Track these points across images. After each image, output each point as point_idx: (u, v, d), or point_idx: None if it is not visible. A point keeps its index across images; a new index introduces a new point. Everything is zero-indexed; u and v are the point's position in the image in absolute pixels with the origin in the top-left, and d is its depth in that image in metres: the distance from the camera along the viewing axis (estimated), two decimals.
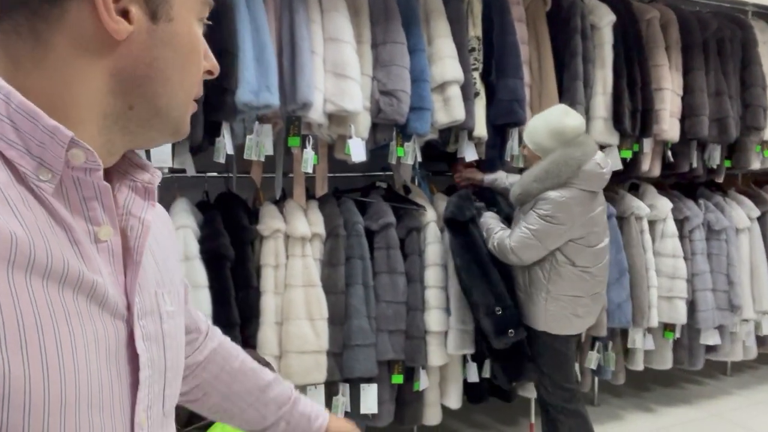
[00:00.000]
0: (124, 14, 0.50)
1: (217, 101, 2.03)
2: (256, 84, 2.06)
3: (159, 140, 0.58)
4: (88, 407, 0.47)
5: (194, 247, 2.12)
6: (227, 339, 0.90)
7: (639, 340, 3.03)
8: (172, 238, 0.69)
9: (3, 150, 0.47)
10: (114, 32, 0.50)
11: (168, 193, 2.38)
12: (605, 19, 2.83)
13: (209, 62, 0.59)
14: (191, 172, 2.18)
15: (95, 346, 0.48)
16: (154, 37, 0.52)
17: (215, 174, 2.48)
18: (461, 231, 2.44)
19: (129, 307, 0.53)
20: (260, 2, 2.12)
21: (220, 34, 2.03)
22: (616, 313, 2.85)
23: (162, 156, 1.99)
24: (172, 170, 2.21)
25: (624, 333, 3.06)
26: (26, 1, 0.48)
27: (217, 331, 0.89)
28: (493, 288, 2.36)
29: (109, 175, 0.55)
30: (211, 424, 1.67)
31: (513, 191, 2.31)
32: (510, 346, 2.38)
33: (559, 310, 2.31)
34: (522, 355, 2.42)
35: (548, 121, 2.23)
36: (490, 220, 2.44)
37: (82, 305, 0.48)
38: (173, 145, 2.04)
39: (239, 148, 2.24)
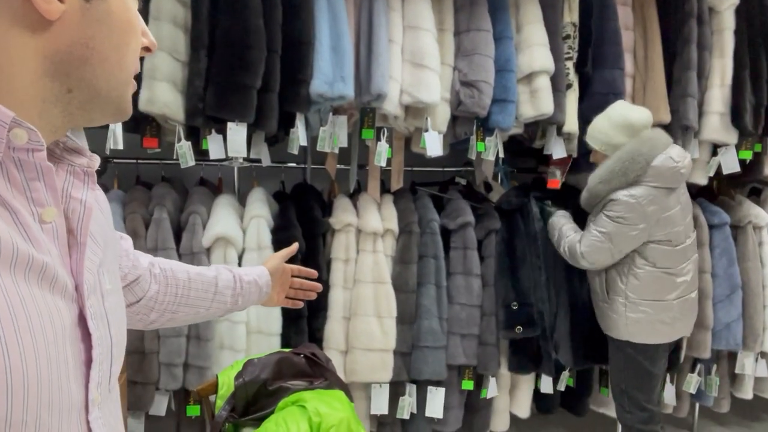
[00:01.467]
0: None
1: (292, 92, 2.01)
2: (331, 74, 2.01)
3: (101, 120, 0.57)
4: (48, 385, 0.48)
5: (267, 237, 2.13)
6: (163, 259, 0.98)
7: (749, 366, 2.69)
8: (108, 214, 0.69)
9: None
10: (45, 12, 0.48)
11: (246, 182, 2.42)
12: (727, 2, 2.49)
13: (147, 38, 0.59)
14: (266, 162, 2.19)
15: (51, 327, 0.49)
16: (89, 16, 0.51)
17: (292, 165, 2.48)
18: (506, 220, 2.39)
19: (77, 287, 0.53)
20: None
21: (298, 23, 2.00)
22: (723, 333, 2.54)
23: (237, 146, 2.00)
24: (249, 160, 2.23)
25: (732, 356, 2.72)
26: None
27: (154, 258, 0.96)
28: (516, 283, 2.33)
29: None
30: (264, 416, 1.67)
31: (582, 196, 2.17)
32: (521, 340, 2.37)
33: (641, 317, 2.11)
34: (529, 353, 2.41)
35: (611, 117, 2.09)
36: (561, 219, 2.29)
37: (34, 287, 0.48)
38: (249, 135, 2.05)
39: (314, 139, 2.21)
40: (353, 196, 2.38)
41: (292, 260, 2.16)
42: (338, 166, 2.40)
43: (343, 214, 2.23)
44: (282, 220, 2.19)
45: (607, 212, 2.06)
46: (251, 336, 2.13)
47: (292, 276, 1.20)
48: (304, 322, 2.18)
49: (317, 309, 2.21)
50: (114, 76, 0.54)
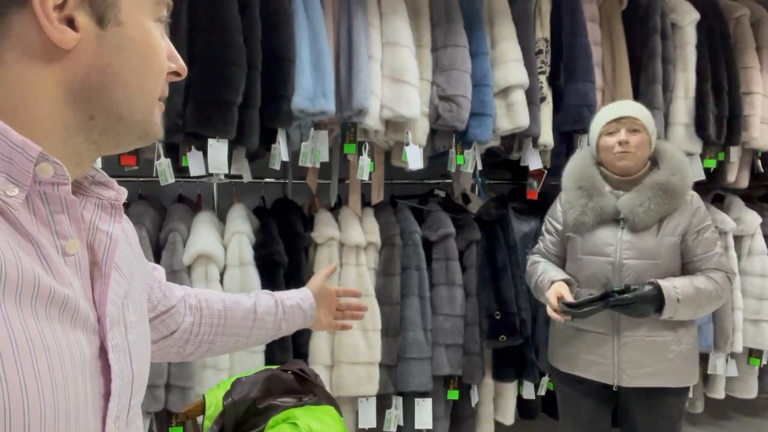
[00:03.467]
0: (70, 23, 0.49)
1: (273, 108, 2.02)
2: (312, 90, 2.03)
3: (126, 146, 0.57)
4: (66, 420, 0.47)
5: (249, 253, 2.12)
6: (199, 290, 0.96)
7: (721, 366, 2.79)
8: (137, 246, 0.68)
9: None
10: (59, 42, 0.48)
11: (225, 198, 2.40)
12: (688, 18, 2.61)
13: (176, 63, 0.58)
14: (247, 178, 2.18)
15: (70, 359, 0.48)
16: (105, 43, 0.51)
17: (272, 180, 2.48)
18: (485, 231, 2.40)
19: (99, 320, 0.53)
20: (319, 8, 2.09)
21: (278, 41, 2.02)
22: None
23: (218, 162, 1.99)
24: (228, 176, 2.22)
25: (704, 358, 2.81)
26: None
27: (189, 288, 0.94)
28: (498, 293, 2.34)
29: (74, 194, 0.55)
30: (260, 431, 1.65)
31: (643, 209, 1.73)
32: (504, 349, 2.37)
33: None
34: (512, 361, 2.42)
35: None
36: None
37: (54, 319, 0.48)
38: (230, 152, 2.05)
39: (296, 155, 2.22)
40: (334, 210, 2.39)
41: (276, 275, 2.16)
42: (319, 180, 2.40)
43: (325, 228, 2.24)
44: (264, 236, 2.19)
45: (710, 224, 1.79)
46: (234, 354, 2.10)
47: (337, 296, 1.17)
48: (288, 338, 2.17)
49: None
50: (136, 100, 0.54)
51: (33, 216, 0.49)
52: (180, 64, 0.58)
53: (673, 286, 1.67)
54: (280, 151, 2.08)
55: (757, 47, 2.77)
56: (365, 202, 2.47)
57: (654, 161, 1.81)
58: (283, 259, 2.16)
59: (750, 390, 2.88)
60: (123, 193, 0.59)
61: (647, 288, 1.66)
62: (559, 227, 1.90)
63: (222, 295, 0.98)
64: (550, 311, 1.75)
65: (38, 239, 0.48)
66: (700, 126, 2.62)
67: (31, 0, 0.47)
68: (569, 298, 1.72)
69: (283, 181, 2.51)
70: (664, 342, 1.74)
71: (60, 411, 0.47)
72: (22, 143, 0.47)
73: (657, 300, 1.66)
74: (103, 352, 0.53)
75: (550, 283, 1.79)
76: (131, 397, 0.58)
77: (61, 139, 0.51)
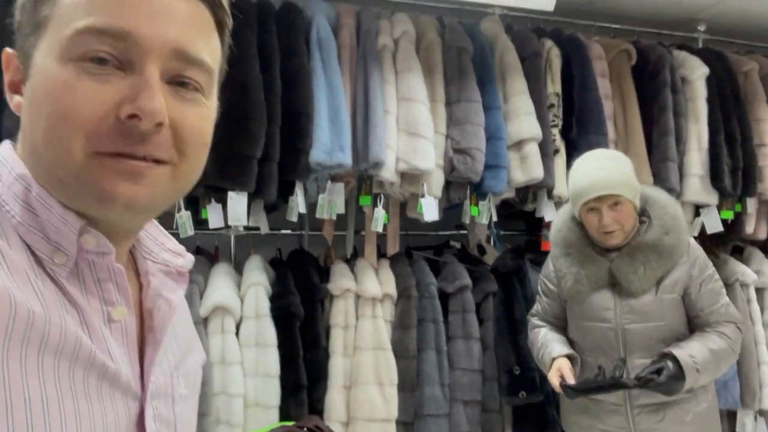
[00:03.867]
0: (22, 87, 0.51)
1: (292, 161, 2.06)
2: (329, 144, 2.08)
3: (97, 212, 0.49)
4: None
5: (265, 305, 2.12)
6: None
7: (749, 424, 2.68)
8: (192, 325, 0.69)
9: (22, 235, 0.48)
10: (14, 109, 0.51)
11: (242, 250, 2.42)
12: (697, 72, 2.67)
13: (132, 104, 0.46)
14: (265, 229, 2.20)
15: (102, 424, 0.48)
16: (24, 101, 0.50)
17: (288, 231, 2.50)
18: (502, 283, 2.38)
19: (143, 386, 0.53)
20: (336, 66, 2.17)
21: (297, 97, 2.09)
22: (721, 392, 2.53)
23: (238, 215, 2.02)
24: (246, 228, 2.25)
25: (732, 415, 2.71)
26: None
27: None
28: (517, 347, 2.29)
29: (145, 261, 0.57)
30: None
31: (644, 275, 1.67)
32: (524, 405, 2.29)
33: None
34: (533, 418, 2.32)
35: (624, 161, 1.77)
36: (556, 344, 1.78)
37: (92, 384, 0.48)
38: (249, 204, 2.08)
39: (312, 206, 2.25)
40: (350, 262, 2.39)
41: (292, 327, 2.14)
42: (335, 232, 2.42)
43: (341, 280, 2.23)
44: (280, 288, 2.19)
45: (712, 273, 1.72)
46: (248, 409, 2.06)
47: None
48: (304, 393, 2.13)
49: (317, 379, 2.16)
50: (47, 155, 0.49)
51: (81, 283, 0.50)
52: (137, 105, 0.46)
53: (690, 356, 1.58)
54: (298, 203, 2.11)
55: (767, 100, 2.80)
56: (381, 254, 2.47)
57: (643, 211, 1.73)
58: (299, 311, 2.16)
59: None
60: (190, 261, 0.59)
61: (667, 366, 1.57)
62: (554, 289, 1.84)
63: None
64: (553, 385, 1.71)
65: (82, 306, 0.49)
66: (715, 177, 2.62)
67: None
68: (570, 378, 1.65)
69: (299, 232, 2.53)
70: (679, 405, 1.66)
71: None
72: (66, 216, 0.49)
73: (678, 376, 1.57)
74: (141, 419, 0.52)
75: (551, 360, 1.73)
76: None
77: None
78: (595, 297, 1.72)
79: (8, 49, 0.52)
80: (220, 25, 0.54)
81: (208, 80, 0.52)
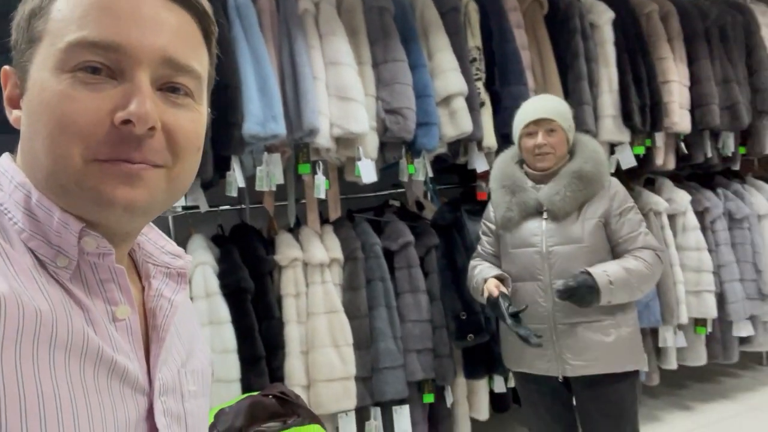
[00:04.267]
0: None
1: (225, 136, 2.03)
2: (261, 115, 2.05)
3: (102, 218, 0.51)
4: None
5: (214, 283, 2.11)
6: None
7: (670, 338, 2.97)
8: (197, 323, 0.70)
9: (25, 240, 0.50)
10: (13, 123, 0.52)
11: (183, 230, 2.38)
12: (604, 17, 2.81)
13: (124, 111, 0.48)
14: (204, 207, 2.17)
15: (113, 420, 0.49)
16: (23, 113, 0.52)
17: (228, 207, 2.48)
18: (442, 235, 2.49)
19: (150, 383, 0.54)
20: (259, 34, 2.13)
21: (222, 68, 2.03)
22: (644, 312, 2.79)
23: None
24: (184, 207, 2.21)
25: (654, 332, 2.99)
26: None
27: None
28: (461, 294, 2.42)
29: (146, 264, 0.60)
30: None
31: (560, 197, 1.83)
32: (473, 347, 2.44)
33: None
34: (481, 358, 2.50)
35: (564, 103, 2.00)
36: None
37: (101, 379, 0.49)
38: None
39: (250, 180, 2.23)
40: (294, 231, 2.41)
41: (243, 302, 2.15)
42: (275, 203, 2.42)
43: (288, 250, 2.25)
44: (227, 264, 2.18)
45: (632, 206, 1.88)
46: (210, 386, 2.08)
47: None
48: (263, 363, 2.16)
49: (274, 348, 2.20)
50: (48, 165, 0.50)
51: (84, 285, 0.52)
52: (130, 110, 0.48)
53: (603, 271, 1.74)
54: (236, 177, 2.09)
55: (668, 39, 3.00)
56: (323, 220, 2.50)
57: (572, 154, 1.92)
58: (249, 285, 2.17)
59: (699, 358, 3.08)
60: (189, 263, 0.61)
61: (580, 275, 1.73)
62: (493, 227, 2.00)
63: None
64: (487, 293, 1.83)
65: (87, 306, 0.50)
66: (626, 116, 2.81)
67: None
68: (503, 289, 1.82)
69: (239, 206, 2.51)
70: (600, 327, 1.80)
71: None
72: (66, 219, 0.50)
73: (592, 287, 1.72)
74: (151, 415, 0.53)
75: (483, 281, 1.88)
76: None
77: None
78: (524, 225, 1.88)
79: (6, 67, 0.53)
80: (206, 34, 0.56)
81: (198, 86, 0.54)
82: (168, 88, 0.52)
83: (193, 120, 0.54)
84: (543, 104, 1.92)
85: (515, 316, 1.76)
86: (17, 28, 0.53)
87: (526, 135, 1.89)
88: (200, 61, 0.54)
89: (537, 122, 1.86)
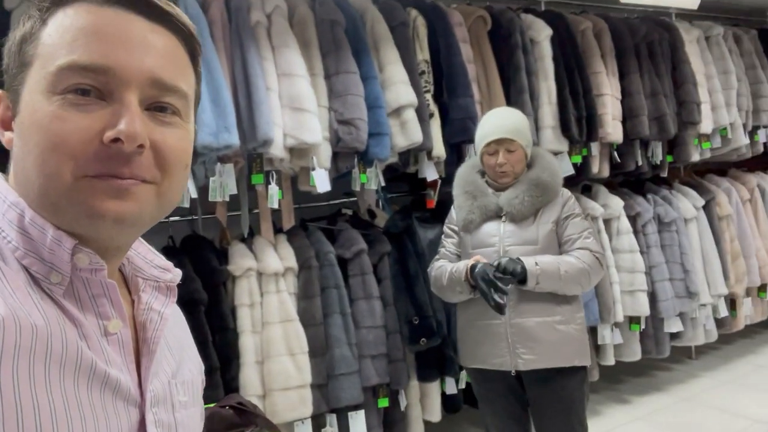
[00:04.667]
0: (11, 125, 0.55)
1: None
2: (214, 126, 2.06)
3: (95, 234, 0.53)
4: None
5: None
6: None
7: (608, 336, 3.14)
8: (189, 334, 0.71)
9: (19, 258, 0.51)
10: (5, 144, 0.54)
11: None
12: (543, 33, 2.96)
13: (113, 130, 0.50)
14: None
15: (106, 430, 0.51)
16: (16, 134, 0.54)
17: (179, 218, 2.45)
18: (394, 242, 2.57)
19: (142, 394, 0.56)
20: (211, 45, 2.13)
21: None
22: (584, 312, 2.94)
23: None
24: None
25: (593, 331, 3.15)
26: None
27: None
28: (414, 299, 2.51)
29: (135, 278, 0.61)
30: None
31: (519, 201, 1.97)
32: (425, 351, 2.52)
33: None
34: (434, 361, 2.59)
35: (524, 117, 2.11)
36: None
37: (95, 392, 0.51)
38: None
39: (202, 190, 2.22)
40: (247, 241, 2.41)
41: (196, 313, 2.14)
42: (228, 213, 2.42)
43: (241, 260, 2.26)
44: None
45: (579, 212, 2.02)
46: None
47: None
48: (218, 374, 2.15)
49: (229, 359, 2.19)
50: (40, 184, 0.52)
51: (77, 300, 0.53)
52: (119, 129, 0.50)
53: (534, 262, 1.89)
54: (188, 188, 2.07)
55: (601, 54, 3.18)
56: (277, 229, 2.51)
57: (529, 165, 2.06)
58: (202, 297, 2.15)
59: (634, 353, 3.27)
60: (178, 275, 0.63)
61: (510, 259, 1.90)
62: (456, 228, 2.11)
63: None
64: (472, 263, 1.90)
65: (80, 321, 0.52)
66: (564, 127, 2.97)
67: None
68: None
69: (190, 217, 2.49)
70: (550, 323, 1.93)
71: None
72: (59, 237, 0.51)
73: (523, 269, 1.87)
74: (143, 426, 0.55)
75: (466, 266, 1.93)
76: None
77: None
78: (484, 227, 2.01)
79: None
80: (192, 55, 0.58)
81: (185, 105, 0.57)
82: (156, 108, 0.54)
83: (181, 138, 0.56)
84: (503, 123, 2.00)
85: (501, 280, 1.84)
86: (8, 53, 0.55)
87: (487, 153, 2.00)
88: (187, 81, 0.57)
89: (498, 141, 1.97)
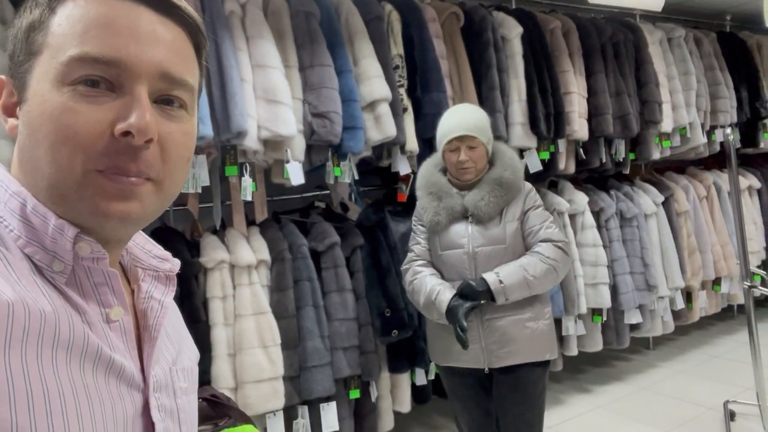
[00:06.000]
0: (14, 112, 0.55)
1: None
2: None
3: (93, 225, 0.53)
4: None
5: None
6: None
7: (572, 327, 3.24)
8: (184, 324, 0.73)
9: (22, 247, 0.52)
10: (9, 131, 0.54)
11: None
12: (514, 32, 3.02)
13: (124, 122, 0.51)
14: None
15: (112, 415, 0.52)
16: (22, 122, 0.53)
17: None
18: (367, 236, 2.59)
19: (145, 380, 0.57)
20: None
21: None
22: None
23: None
24: None
25: (557, 322, 3.24)
26: None
27: None
28: (385, 292, 2.53)
29: (134, 268, 0.61)
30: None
31: (485, 202, 1.98)
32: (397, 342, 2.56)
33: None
34: (405, 353, 2.62)
35: (484, 114, 2.10)
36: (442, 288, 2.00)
37: (100, 377, 0.52)
38: None
39: None
40: (218, 233, 2.39)
41: None
42: (199, 205, 2.39)
43: (213, 252, 2.24)
44: None
45: (539, 204, 2.05)
46: None
47: None
48: None
49: (201, 351, 2.17)
50: (50, 175, 0.52)
51: (79, 288, 0.54)
52: (130, 122, 0.50)
53: (495, 273, 1.91)
54: None
55: (569, 53, 3.26)
56: (249, 221, 2.50)
57: (491, 161, 2.07)
58: None
59: (596, 344, 3.39)
60: (177, 265, 0.63)
61: (475, 283, 1.91)
62: (423, 227, 2.11)
63: None
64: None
65: (84, 308, 0.53)
66: (533, 124, 3.03)
67: None
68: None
69: None
70: (520, 320, 1.97)
71: None
72: (61, 226, 0.52)
73: (486, 289, 1.90)
74: (146, 410, 0.56)
75: (447, 298, 1.93)
76: None
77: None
78: (452, 228, 2.01)
79: (1, 76, 0.54)
80: (198, 48, 0.59)
81: (191, 98, 0.58)
82: (163, 101, 0.55)
83: (185, 132, 0.57)
84: (464, 120, 2.01)
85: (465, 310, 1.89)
86: (14, 40, 0.54)
87: (449, 150, 2.02)
88: (193, 74, 0.58)
89: (459, 138, 1.98)
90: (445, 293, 1.96)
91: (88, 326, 0.52)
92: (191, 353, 0.70)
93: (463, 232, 2.01)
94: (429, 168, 2.12)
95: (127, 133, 0.51)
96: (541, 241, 1.98)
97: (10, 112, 0.55)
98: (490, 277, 1.91)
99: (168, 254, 0.64)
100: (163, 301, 0.61)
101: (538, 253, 1.96)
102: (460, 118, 2.03)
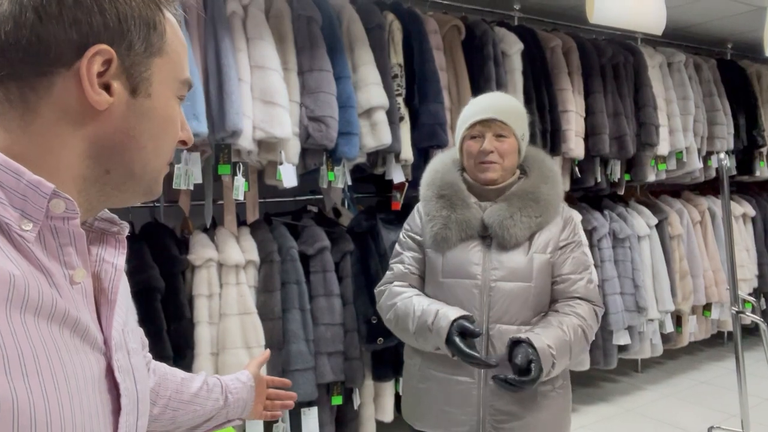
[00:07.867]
0: (107, 88, 0.56)
1: None
2: (183, 113, 2.04)
3: (131, 201, 0.63)
4: (82, 429, 0.52)
5: None
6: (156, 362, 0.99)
7: None
8: (128, 290, 0.75)
9: None
10: (96, 103, 0.55)
11: None
12: (514, 47, 3.04)
13: (185, 133, 0.66)
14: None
15: (83, 375, 0.53)
16: (133, 109, 0.58)
17: (140, 204, 2.41)
18: (357, 242, 2.58)
19: (106, 341, 0.58)
20: (184, 32, 2.11)
21: None
22: None
23: None
24: None
25: None
26: (17, 72, 0.53)
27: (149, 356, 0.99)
28: (373, 299, 2.23)
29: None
30: None
31: (515, 228, 1.47)
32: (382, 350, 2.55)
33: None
34: (389, 361, 2.62)
35: (520, 104, 1.64)
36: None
37: (67, 338, 0.53)
38: None
39: (166, 177, 2.19)
40: (209, 231, 2.39)
41: (153, 301, 2.11)
42: (191, 202, 2.39)
43: (202, 250, 2.24)
44: (136, 262, 2.13)
45: (580, 241, 1.55)
46: None
47: (267, 387, 1.14)
48: (170, 363, 2.12)
49: (183, 349, 2.17)
50: (149, 161, 0.61)
51: (44, 249, 0.53)
52: (188, 135, 0.66)
53: (547, 345, 1.37)
54: None
55: (568, 72, 3.28)
56: (240, 222, 2.50)
57: (523, 170, 1.58)
58: (159, 284, 2.13)
59: (584, 363, 3.37)
60: (125, 228, 0.64)
61: (522, 355, 1.35)
62: (420, 239, 1.60)
63: (173, 369, 1.01)
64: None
65: (50, 269, 0.53)
66: (529, 140, 3.04)
67: (78, 63, 0.53)
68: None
69: (152, 204, 2.45)
70: (536, 388, 1.42)
71: (77, 421, 0.51)
72: (37, 182, 0.52)
73: (537, 377, 1.36)
74: (109, 372, 0.58)
75: (449, 323, 1.40)
76: (138, 417, 0.62)
77: (77, 189, 0.57)
78: (462, 249, 1.51)
79: (103, 45, 0.54)
80: None
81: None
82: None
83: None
84: (496, 102, 1.54)
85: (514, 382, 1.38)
86: (125, 18, 0.55)
87: (469, 137, 1.53)
88: None
89: (485, 123, 1.49)
90: (448, 315, 1.42)
91: (56, 289, 0.53)
92: (133, 317, 0.73)
93: (477, 257, 1.49)
94: (444, 162, 1.61)
95: (183, 142, 0.67)
96: (579, 298, 1.49)
97: (107, 86, 0.56)
98: (543, 350, 1.35)
99: (115, 217, 0.64)
100: (116, 264, 0.61)
101: (581, 317, 1.46)
102: (491, 100, 1.57)
